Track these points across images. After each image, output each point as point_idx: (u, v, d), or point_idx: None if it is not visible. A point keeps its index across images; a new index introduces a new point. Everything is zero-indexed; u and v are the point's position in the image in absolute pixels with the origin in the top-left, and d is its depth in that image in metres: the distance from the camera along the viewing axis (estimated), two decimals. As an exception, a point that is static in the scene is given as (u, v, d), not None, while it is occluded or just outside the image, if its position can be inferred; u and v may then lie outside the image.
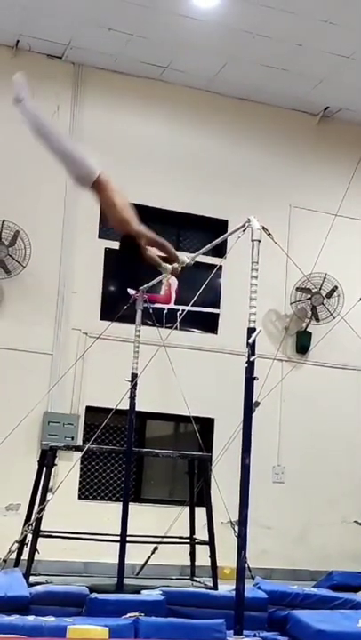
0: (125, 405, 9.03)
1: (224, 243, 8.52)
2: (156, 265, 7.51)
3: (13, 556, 8.65)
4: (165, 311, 11.84)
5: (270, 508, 11.70)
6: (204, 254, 8.60)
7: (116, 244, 12.14)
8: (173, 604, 7.40)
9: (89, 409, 11.51)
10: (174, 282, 12.04)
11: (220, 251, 9.81)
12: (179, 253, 7.54)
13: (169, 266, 7.48)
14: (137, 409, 9.22)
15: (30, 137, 12.02)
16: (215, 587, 8.57)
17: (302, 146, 13.10)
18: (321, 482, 12.28)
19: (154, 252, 7.18)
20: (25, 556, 8.54)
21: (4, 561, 8.46)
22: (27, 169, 11.65)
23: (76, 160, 6.87)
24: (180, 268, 7.52)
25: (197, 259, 7.90)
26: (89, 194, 6.93)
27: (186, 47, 11.48)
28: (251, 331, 6.38)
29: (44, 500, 8.56)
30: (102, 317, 11.46)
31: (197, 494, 9.70)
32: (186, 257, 7.58)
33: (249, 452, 6.23)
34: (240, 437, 6.32)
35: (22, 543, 8.69)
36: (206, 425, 11.85)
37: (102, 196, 6.85)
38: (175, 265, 7.45)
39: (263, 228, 6.67)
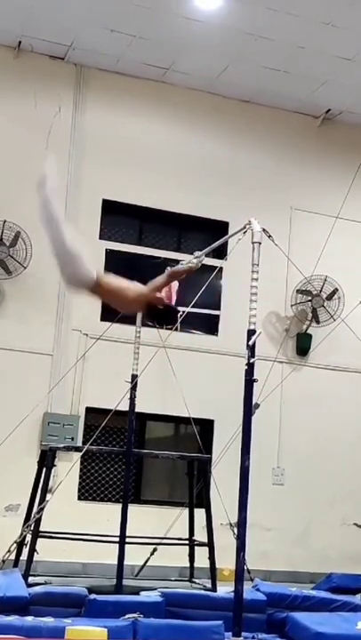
0: (125, 406, 9.03)
1: (225, 244, 8.52)
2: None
3: (12, 556, 8.67)
4: (166, 312, 11.86)
5: (270, 510, 11.69)
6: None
7: (115, 246, 12.27)
8: (172, 606, 7.41)
9: (89, 410, 11.51)
10: (175, 283, 12.07)
11: (220, 252, 9.82)
12: (184, 259, 7.56)
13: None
14: (137, 410, 9.22)
15: (32, 137, 12.13)
16: (214, 588, 8.56)
17: (304, 148, 13.11)
18: (321, 484, 12.27)
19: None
20: (24, 556, 8.54)
21: (3, 561, 8.48)
22: (28, 170, 11.62)
23: (74, 262, 6.51)
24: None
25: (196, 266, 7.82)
26: (82, 293, 6.66)
27: (188, 49, 11.49)
28: (251, 332, 6.38)
29: (43, 500, 8.57)
30: (103, 318, 11.44)
31: (197, 496, 9.71)
32: (193, 259, 7.54)
33: (249, 453, 6.23)
34: (240, 439, 6.32)
35: (21, 543, 8.71)
36: (206, 426, 11.86)
37: (102, 293, 6.55)
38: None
39: (264, 230, 6.67)
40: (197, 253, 7.55)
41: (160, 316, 6.65)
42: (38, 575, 8.63)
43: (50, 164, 6.35)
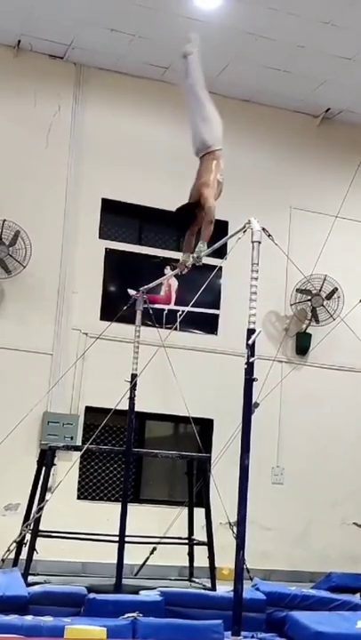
0: (125, 406, 9.03)
1: (224, 244, 8.52)
2: (186, 245, 7.88)
3: (12, 555, 8.67)
4: (165, 312, 11.90)
5: (269, 510, 11.70)
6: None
7: (115, 245, 12.30)
8: (172, 605, 7.38)
9: (88, 409, 11.51)
10: (174, 283, 12.13)
11: (220, 252, 9.81)
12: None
13: (189, 258, 7.80)
14: (136, 409, 9.23)
15: (31, 137, 12.14)
16: (213, 587, 8.57)
17: (303, 147, 13.10)
18: (320, 483, 12.28)
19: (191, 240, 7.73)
20: (24, 555, 8.55)
21: (3, 560, 8.49)
22: (28, 169, 11.66)
23: (205, 128, 7.67)
24: (189, 265, 7.85)
25: (198, 262, 7.93)
26: (196, 158, 7.82)
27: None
28: (251, 332, 6.38)
29: (42, 499, 8.57)
30: (102, 317, 11.47)
31: (196, 495, 9.71)
32: (193, 256, 7.76)
33: (248, 452, 6.23)
34: (239, 438, 6.32)
35: (21, 543, 8.71)
36: (206, 426, 11.86)
37: (207, 161, 7.61)
38: (187, 261, 7.82)
39: (263, 229, 6.67)
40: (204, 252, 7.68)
41: (183, 213, 7.60)
42: (38, 574, 8.62)
43: (193, 35, 7.76)
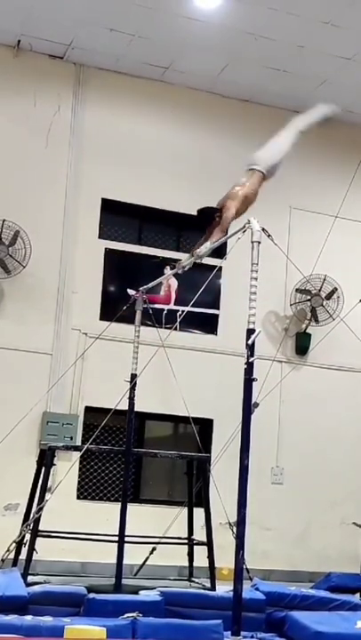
0: (124, 406, 9.03)
1: (224, 243, 8.52)
2: (198, 245, 7.99)
3: (12, 555, 8.67)
4: (165, 312, 11.90)
5: (269, 510, 11.71)
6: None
7: (115, 245, 12.30)
8: (171, 605, 7.37)
9: (88, 409, 11.51)
10: (174, 283, 12.12)
11: (220, 252, 9.81)
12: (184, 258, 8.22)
13: (188, 259, 8.05)
14: (136, 409, 9.22)
15: (31, 137, 12.11)
16: (213, 587, 8.57)
17: (303, 147, 13.02)
18: (320, 483, 12.28)
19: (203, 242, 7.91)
20: (23, 555, 8.54)
21: (3, 560, 8.48)
22: (27, 169, 11.66)
23: (267, 149, 8.33)
24: (186, 266, 8.08)
25: (197, 260, 7.97)
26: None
27: (188, 48, 11.49)
28: (250, 332, 6.37)
29: (42, 499, 8.57)
30: (102, 317, 11.47)
31: (196, 495, 9.71)
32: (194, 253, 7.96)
33: (248, 452, 6.23)
34: (239, 438, 6.32)
35: (20, 543, 8.71)
36: (205, 426, 11.86)
37: (246, 176, 8.11)
38: (184, 262, 8.08)
39: (263, 229, 6.66)
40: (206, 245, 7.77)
41: (202, 215, 7.87)
42: (37, 574, 8.63)
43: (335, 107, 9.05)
